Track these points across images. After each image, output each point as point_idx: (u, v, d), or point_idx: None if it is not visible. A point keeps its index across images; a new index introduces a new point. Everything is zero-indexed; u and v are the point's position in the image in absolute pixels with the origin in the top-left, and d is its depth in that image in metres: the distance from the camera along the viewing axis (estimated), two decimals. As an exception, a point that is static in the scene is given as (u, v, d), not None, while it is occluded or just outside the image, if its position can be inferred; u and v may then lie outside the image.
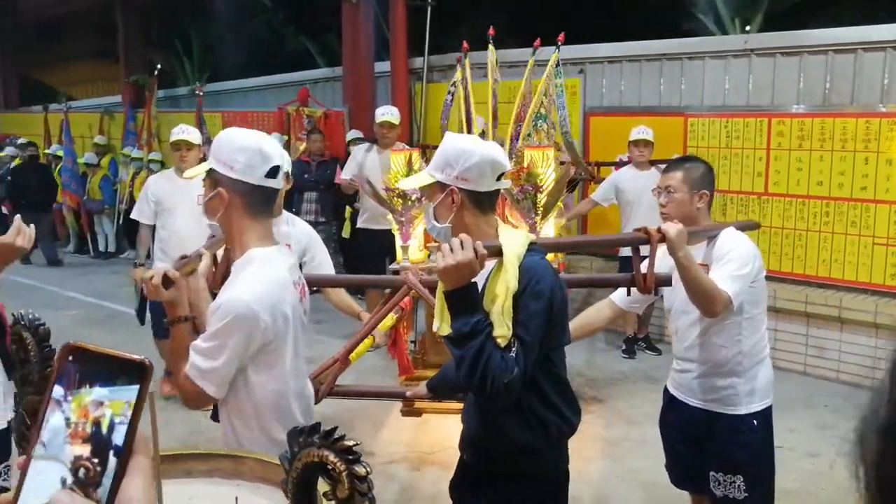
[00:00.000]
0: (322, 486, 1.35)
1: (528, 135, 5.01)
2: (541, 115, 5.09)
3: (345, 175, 7.03)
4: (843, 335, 5.87)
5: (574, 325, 2.97)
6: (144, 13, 14.50)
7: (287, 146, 9.75)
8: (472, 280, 2.01)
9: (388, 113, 6.66)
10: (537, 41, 5.52)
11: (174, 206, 5.10)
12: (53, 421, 0.61)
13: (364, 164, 6.78)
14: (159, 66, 12.21)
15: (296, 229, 3.74)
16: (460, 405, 4.92)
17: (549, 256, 3.68)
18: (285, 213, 3.82)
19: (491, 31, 5.49)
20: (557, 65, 5.39)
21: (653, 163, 6.14)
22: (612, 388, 5.80)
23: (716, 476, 2.89)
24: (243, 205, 2.10)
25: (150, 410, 1.64)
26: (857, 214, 5.94)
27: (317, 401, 2.62)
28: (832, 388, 5.73)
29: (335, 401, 4.88)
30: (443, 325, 2.07)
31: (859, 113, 5.92)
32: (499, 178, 2.20)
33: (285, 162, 2.22)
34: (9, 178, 10.71)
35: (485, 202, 2.19)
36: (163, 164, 10.18)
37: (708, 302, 2.64)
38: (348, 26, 9.58)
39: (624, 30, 7.78)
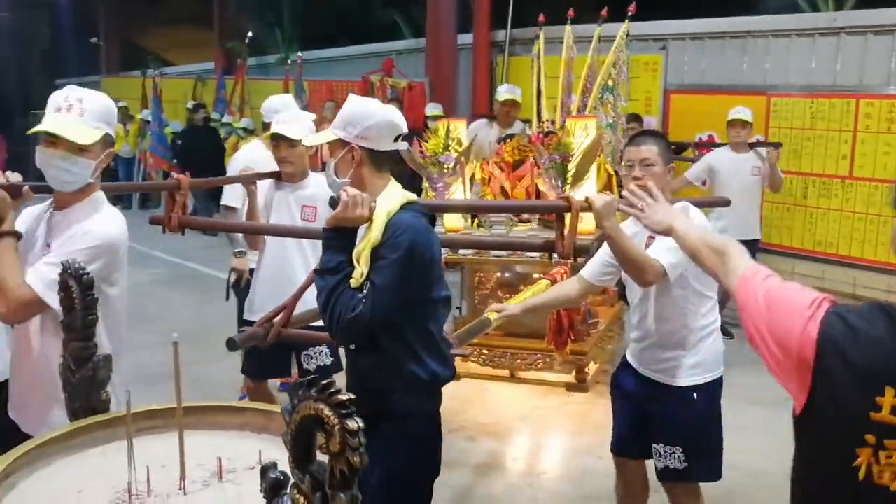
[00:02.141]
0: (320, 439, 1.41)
1: (595, 107, 4.95)
2: (608, 88, 5.00)
3: None
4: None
5: (546, 297, 3.29)
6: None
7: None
8: (352, 227, 2.27)
9: (511, 91, 6.46)
10: (604, 11, 5.44)
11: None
12: None
13: (482, 140, 6.63)
14: (251, 34, 12.52)
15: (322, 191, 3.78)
16: (502, 372, 5.07)
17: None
18: (314, 175, 3.88)
19: (570, 13, 5.43)
20: (627, 35, 5.29)
21: (751, 145, 5.92)
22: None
23: (657, 448, 2.91)
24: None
25: (175, 362, 1.74)
26: (948, 204, 5.63)
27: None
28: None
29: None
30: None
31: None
32: (396, 140, 2.38)
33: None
34: (178, 140, 11.00)
35: (382, 160, 2.37)
36: (251, 132, 10.44)
37: (638, 272, 2.71)
38: (432, -2, 9.61)
39: (709, 5, 7.52)
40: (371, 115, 2.34)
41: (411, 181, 8.15)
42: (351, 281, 2.23)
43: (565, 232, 2.80)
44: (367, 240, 2.24)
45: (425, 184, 4.98)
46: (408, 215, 2.28)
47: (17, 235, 2.23)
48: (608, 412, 3.19)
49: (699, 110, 6.96)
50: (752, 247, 5.74)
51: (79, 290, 1.90)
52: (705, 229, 2.61)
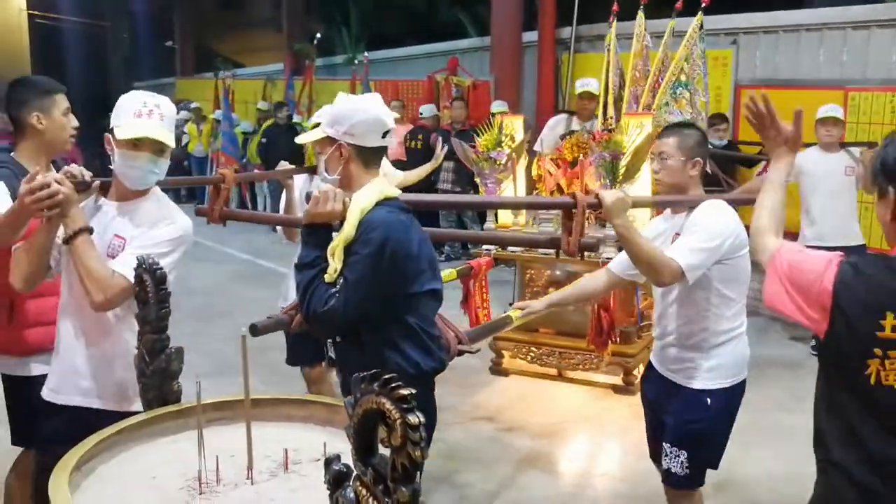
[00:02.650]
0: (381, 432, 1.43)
1: (666, 103, 4.83)
2: (681, 83, 4.87)
3: (537, 147, 6.86)
4: None
5: (571, 291, 3.22)
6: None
7: (436, 116, 9.94)
8: (327, 223, 2.32)
9: (587, 84, 6.37)
10: (679, 2, 5.28)
11: None
12: None
13: (554, 136, 6.46)
14: (318, 35, 12.72)
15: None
16: (551, 370, 4.98)
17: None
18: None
19: (679, 3, 5.31)
20: (701, 28, 5.10)
21: (843, 145, 5.62)
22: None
23: (665, 447, 2.82)
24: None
25: (243, 357, 1.78)
26: None
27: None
28: None
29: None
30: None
31: None
32: (384, 136, 2.38)
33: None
34: (263, 139, 11.27)
35: (370, 157, 2.39)
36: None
37: (653, 272, 2.61)
38: (498, -5, 9.60)
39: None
40: (357, 113, 2.36)
41: (470, 178, 8.22)
42: (325, 276, 2.27)
43: (572, 228, 2.75)
44: (341, 235, 2.28)
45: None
46: (383, 211, 2.30)
47: (90, 230, 2.31)
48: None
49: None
50: (860, 254, 5.52)
51: (153, 283, 1.97)
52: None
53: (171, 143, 2.41)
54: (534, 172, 4.91)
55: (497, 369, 5.01)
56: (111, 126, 2.39)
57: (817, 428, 1.91)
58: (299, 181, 3.99)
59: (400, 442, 1.35)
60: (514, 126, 4.80)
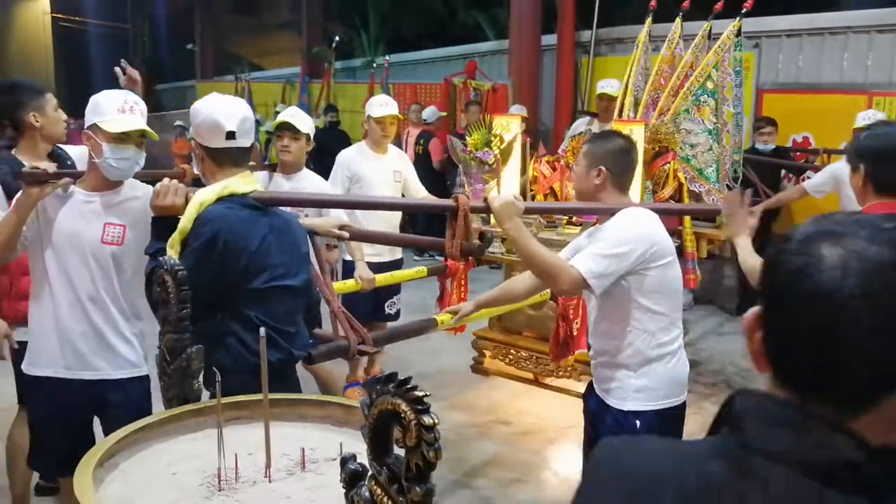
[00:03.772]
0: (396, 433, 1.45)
1: (686, 110, 4.68)
2: (706, 90, 4.68)
3: (560, 150, 6.82)
4: None
5: (496, 292, 3.11)
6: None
7: (452, 119, 9.93)
8: (170, 216, 2.37)
9: (605, 86, 6.34)
10: (719, 4, 4.94)
11: (373, 182, 4.74)
12: None
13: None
14: (338, 38, 12.78)
15: (314, 187, 4.11)
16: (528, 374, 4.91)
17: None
18: (306, 170, 4.18)
19: (686, 2, 5.06)
20: (738, 34, 4.84)
21: None
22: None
23: None
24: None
25: (262, 356, 1.81)
26: None
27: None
28: None
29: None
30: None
31: None
32: (228, 137, 2.40)
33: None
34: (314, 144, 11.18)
35: (218, 157, 2.43)
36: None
37: (549, 278, 2.51)
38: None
39: (803, 1, 7.25)
40: (198, 115, 2.44)
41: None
42: None
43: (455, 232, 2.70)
44: (178, 228, 2.34)
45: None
46: (221, 207, 2.34)
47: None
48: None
49: (794, 110, 6.73)
50: None
51: (174, 284, 2.01)
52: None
53: (156, 136, 2.62)
54: (528, 174, 4.81)
55: (478, 368, 4.98)
56: (91, 123, 2.57)
57: None
58: (260, 178, 4.05)
59: (414, 442, 1.37)
60: (509, 126, 4.66)
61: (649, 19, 5.17)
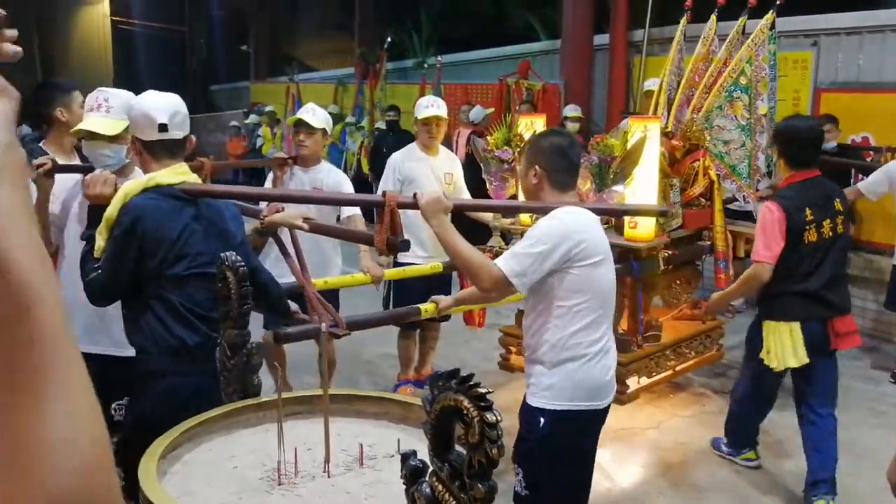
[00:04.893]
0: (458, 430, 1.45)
1: (720, 107, 4.59)
2: (739, 86, 4.59)
3: None
4: None
5: (472, 290, 2.97)
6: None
7: (505, 119, 9.86)
8: (101, 204, 2.48)
9: (652, 84, 6.31)
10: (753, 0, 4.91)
11: (423, 184, 4.64)
12: None
13: None
14: (389, 39, 12.84)
15: (329, 178, 4.30)
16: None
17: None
18: (325, 162, 4.40)
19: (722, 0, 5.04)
20: (772, 28, 4.75)
21: None
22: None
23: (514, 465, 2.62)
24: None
25: (321, 354, 1.83)
26: None
27: None
28: None
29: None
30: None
31: None
32: (161, 129, 2.48)
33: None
34: (372, 144, 11.41)
35: (152, 149, 2.52)
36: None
37: (472, 275, 2.52)
38: (569, -1, 9.54)
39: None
40: (133, 108, 2.54)
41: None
42: (96, 252, 2.47)
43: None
44: (105, 216, 2.46)
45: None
46: (143, 197, 2.44)
47: None
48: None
49: (854, 110, 6.54)
50: None
51: (235, 280, 2.04)
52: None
53: (105, 132, 2.75)
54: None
55: (505, 365, 4.93)
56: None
57: None
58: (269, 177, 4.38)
59: (478, 439, 1.37)
60: (534, 126, 4.60)
61: (684, 18, 5.14)
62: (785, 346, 3.59)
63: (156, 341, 2.46)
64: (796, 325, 3.56)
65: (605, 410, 2.66)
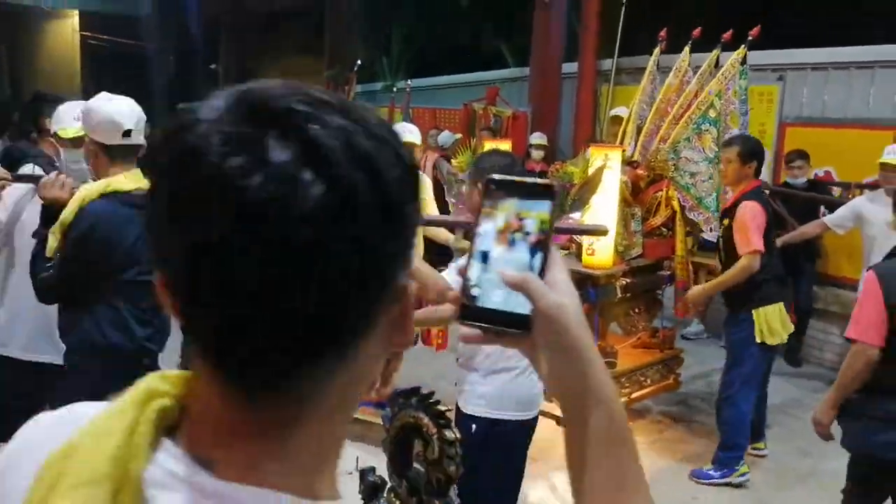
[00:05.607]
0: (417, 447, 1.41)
1: (687, 138, 4.62)
2: (707, 119, 4.65)
3: None
4: None
5: (427, 312, 3.10)
6: (351, 12, 15.37)
7: (470, 143, 9.88)
8: (56, 205, 2.54)
9: (620, 110, 6.49)
10: (727, 34, 5.00)
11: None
12: (484, 227, 0.74)
13: None
14: (359, 62, 12.86)
15: None
16: None
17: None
18: None
19: (696, 32, 5.14)
20: (743, 62, 4.87)
21: None
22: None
23: None
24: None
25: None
26: None
27: None
28: None
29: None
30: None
31: None
32: (125, 135, 2.54)
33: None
34: None
35: (115, 153, 2.57)
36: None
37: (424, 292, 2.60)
38: (538, 27, 9.64)
39: (830, 35, 7.19)
40: (96, 112, 2.56)
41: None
42: (48, 251, 2.52)
43: None
44: (60, 218, 2.50)
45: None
46: (101, 203, 2.49)
47: None
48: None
49: (818, 144, 6.65)
50: None
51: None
52: None
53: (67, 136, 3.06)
54: None
55: None
56: (53, 131, 3.09)
57: None
58: None
59: (436, 456, 1.33)
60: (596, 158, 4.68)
61: (657, 49, 5.22)
62: (775, 324, 4.09)
63: (86, 341, 2.49)
64: (781, 305, 4.14)
65: (535, 419, 2.82)
